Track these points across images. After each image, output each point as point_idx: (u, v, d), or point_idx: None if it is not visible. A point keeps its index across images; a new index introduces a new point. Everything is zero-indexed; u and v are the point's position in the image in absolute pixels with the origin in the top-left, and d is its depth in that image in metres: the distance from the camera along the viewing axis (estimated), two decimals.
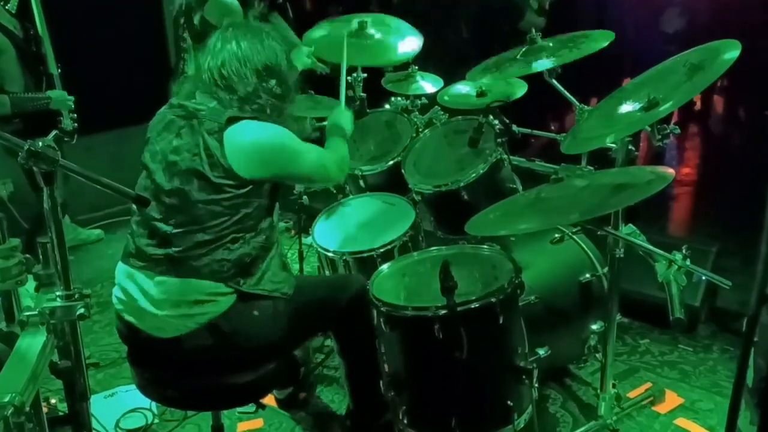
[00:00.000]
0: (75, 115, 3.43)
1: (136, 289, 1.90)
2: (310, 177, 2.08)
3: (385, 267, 2.14)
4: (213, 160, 1.83)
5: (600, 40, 2.30)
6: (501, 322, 1.84)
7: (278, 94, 1.95)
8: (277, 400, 2.53)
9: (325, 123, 3.01)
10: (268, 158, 1.89)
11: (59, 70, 3.44)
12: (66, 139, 3.41)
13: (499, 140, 2.39)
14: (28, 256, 1.58)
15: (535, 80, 2.57)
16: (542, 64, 2.33)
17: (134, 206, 1.91)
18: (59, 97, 3.35)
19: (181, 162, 1.86)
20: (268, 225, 1.96)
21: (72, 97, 3.41)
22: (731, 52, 1.76)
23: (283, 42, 2.00)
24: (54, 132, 1.42)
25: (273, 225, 1.98)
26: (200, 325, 1.84)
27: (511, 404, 1.87)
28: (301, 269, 3.10)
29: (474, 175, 2.34)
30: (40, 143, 1.35)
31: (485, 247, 2.14)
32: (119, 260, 1.99)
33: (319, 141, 2.25)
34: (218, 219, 1.85)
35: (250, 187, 1.86)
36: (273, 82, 1.94)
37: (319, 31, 2.90)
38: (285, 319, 1.95)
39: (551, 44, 2.41)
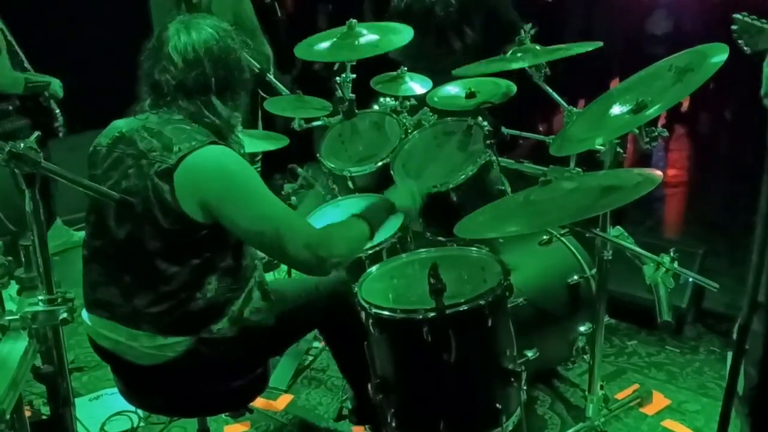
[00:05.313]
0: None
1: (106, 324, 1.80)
2: (259, 233, 1.68)
3: (373, 269, 2.12)
4: (165, 205, 1.65)
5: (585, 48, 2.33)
6: (490, 324, 1.84)
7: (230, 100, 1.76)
8: None
9: (315, 123, 3.03)
10: (207, 188, 1.64)
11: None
12: (60, 130, 3.48)
13: (487, 142, 2.38)
14: (9, 258, 1.56)
15: (523, 82, 2.57)
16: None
17: (84, 253, 1.81)
18: (57, 83, 3.44)
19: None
20: (237, 265, 1.77)
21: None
22: (719, 55, 1.77)
23: (237, 37, 1.78)
24: (36, 133, 1.39)
25: (242, 264, 1.79)
26: (179, 353, 1.73)
27: (500, 406, 1.87)
28: (289, 272, 3.08)
29: (463, 177, 2.33)
30: (22, 144, 1.33)
31: (474, 249, 2.14)
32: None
33: None
34: (177, 267, 1.68)
35: (206, 231, 1.68)
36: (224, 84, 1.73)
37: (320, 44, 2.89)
38: (269, 332, 1.86)
39: (539, 48, 2.42)
